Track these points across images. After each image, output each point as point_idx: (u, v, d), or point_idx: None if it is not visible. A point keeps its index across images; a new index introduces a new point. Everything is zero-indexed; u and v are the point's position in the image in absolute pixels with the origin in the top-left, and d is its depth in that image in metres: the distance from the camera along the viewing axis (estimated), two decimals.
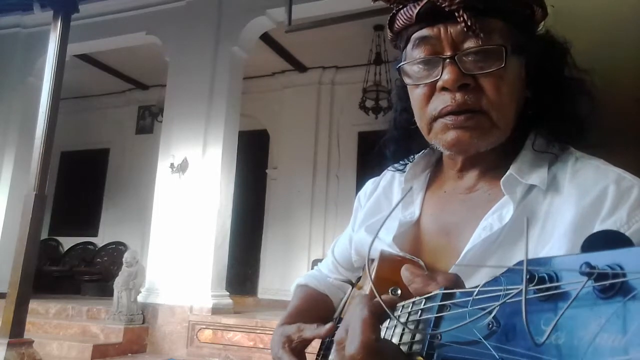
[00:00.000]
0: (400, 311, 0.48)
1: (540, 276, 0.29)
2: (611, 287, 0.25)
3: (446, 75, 0.67)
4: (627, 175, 0.64)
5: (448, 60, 0.67)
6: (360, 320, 0.43)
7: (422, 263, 0.71)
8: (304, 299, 1.00)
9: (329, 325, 0.80)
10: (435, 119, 0.70)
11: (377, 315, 0.44)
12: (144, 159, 8.34)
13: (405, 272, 0.48)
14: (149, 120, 9.10)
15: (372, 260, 0.75)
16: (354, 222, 0.96)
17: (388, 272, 0.65)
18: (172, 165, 5.91)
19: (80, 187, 9.30)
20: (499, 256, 0.67)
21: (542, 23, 0.75)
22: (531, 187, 0.69)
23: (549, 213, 0.66)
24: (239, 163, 6.24)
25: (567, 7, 1.21)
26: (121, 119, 9.33)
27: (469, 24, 0.65)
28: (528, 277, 0.29)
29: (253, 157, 7.94)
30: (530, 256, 0.61)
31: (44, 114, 4.18)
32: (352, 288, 1.00)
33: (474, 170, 0.77)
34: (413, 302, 0.47)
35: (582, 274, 0.26)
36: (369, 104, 6.69)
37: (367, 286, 0.77)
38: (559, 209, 0.65)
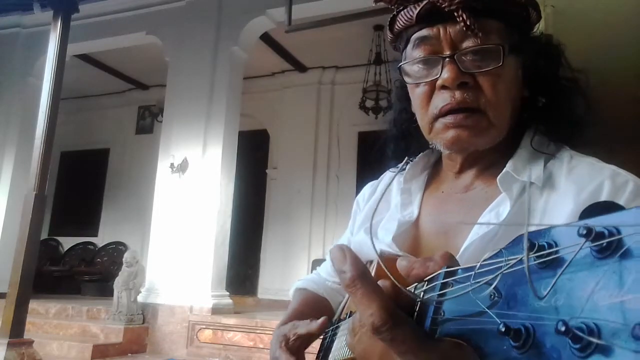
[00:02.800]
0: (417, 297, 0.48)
1: (540, 244, 0.30)
2: (608, 246, 0.26)
3: (446, 73, 0.69)
4: (621, 171, 0.66)
5: (447, 59, 0.69)
6: (372, 291, 0.41)
7: None
8: (302, 302, 1.00)
9: (321, 320, 0.80)
10: (436, 117, 0.72)
11: (387, 289, 0.42)
12: (144, 159, 8.34)
13: (402, 262, 0.47)
14: (149, 120, 9.10)
15: (370, 261, 0.76)
16: (353, 225, 0.97)
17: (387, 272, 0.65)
18: (172, 165, 5.91)
19: (80, 187, 9.30)
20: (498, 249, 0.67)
21: (537, 25, 0.76)
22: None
23: (545, 210, 0.67)
24: (239, 163, 6.24)
25: (566, 7, 1.21)
26: (121, 119, 9.34)
27: (468, 23, 0.67)
28: (529, 244, 0.30)
29: (253, 157, 7.94)
30: None
31: (44, 114, 4.18)
32: None
33: (472, 170, 0.78)
34: (415, 287, 0.47)
35: (580, 235, 0.27)
36: (369, 104, 6.70)
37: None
38: (556, 205, 0.66)
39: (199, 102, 6.01)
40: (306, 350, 0.89)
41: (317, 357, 0.94)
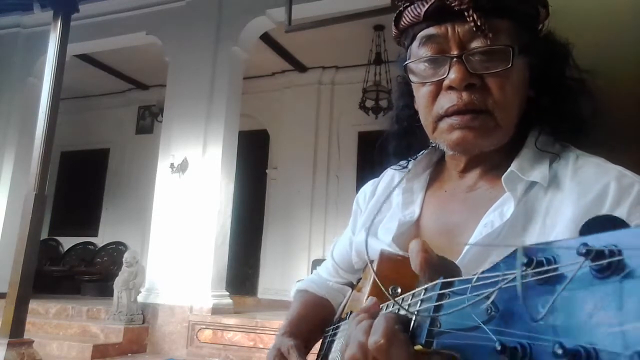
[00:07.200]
0: (401, 303, 0.50)
1: (538, 259, 0.29)
2: (608, 266, 0.25)
3: (453, 74, 0.67)
4: (628, 172, 0.65)
5: (455, 59, 0.68)
6: (384, 316, 0.45)
7: None
8: (304, 304, 1.00)
9: None
10: (441, 117, 0.70)
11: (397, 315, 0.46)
12: (144, 159, 8.34)
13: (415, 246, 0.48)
14: (149, 120, 9.10)
15: (372, 260, 0.76)
16: (354, 225, 0.96)
17: (387, 271, 0.66)
18: (172, 165, 5.91)
19: (80, 187, 9.30)
20: (500, 253, 0.67)
21: (545, 23, 0.76)
22: (532, 184, 0.69)
23: (549, 209, 0.67)
24: (239, 163, 6.23)
25: (567, 7, 1.21)
26: (121, 119, 9.33)
27: (478, 24, 0.65)
28: (526, 260, 0.30)
29: (253, 157, 7.94)
30: None
31: (44, 114, 4.17)
32: (352, 290, 1.00)
33: (476, 170, 0.77)
34: (412, 294, 0.47)
35: (580, 254, 0.26)
36: (369, 104, 6.69)
37: (367, 287, 0.77)
38: (560, 205, 0.66)
39: (199, 102, 6.01)
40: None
41: (317, 357, 0.94)
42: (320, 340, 0.99)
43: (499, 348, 0.30)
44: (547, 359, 0.27)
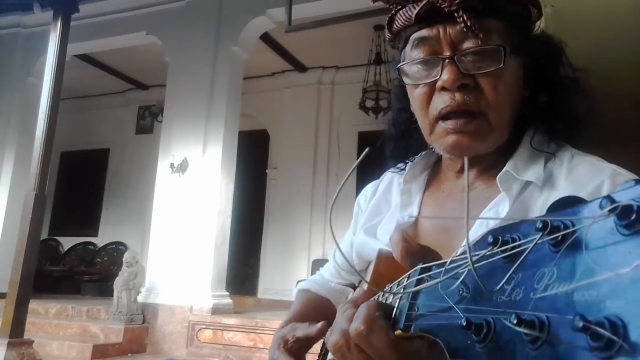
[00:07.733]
0: (388, 292, 0.52)
1: (504, 239, 0.31)
2: (563, 239, 0.27)
3: (445, 75, 0.68)
4: (622, 170, 0.65)
5: (447, 60, 0.68)
6: (366, 304, 0.47)
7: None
8: (305, 303, 1.00)
9: (320, 325, 0.80)
10: (436, 120, 0.71)
11: (380, 303, 0.47)
12: (144, 159, 8.34)
13: (396, 236, 0.50)
14: (149, 120, 9.10)
15: (370, 261, 0.76)
16: (355, 226, 0.97)
17: (385, 269, 0.66)
18: (172, 165, 5.91)
19: (80, 187, 9.30)
20: None
21: (538, 23, 0.76)
22: (527, 184, 0.70)
23: (544, 209, 0.66)
24: (239, 163, 6.24)
25: (566, 7, 1.21)
26: (121, 119, 9.34)
27: (468, 24, 0.66)
28: (492, 240, 0.31)
29: (253, 157, 7.94)
30: None
31: (44, 114, 4.18)
32: (354, 291, 1.01)
33: (473, 170, 0.78)
34: (398, 282, 0.49)
35: (537, 230, 0.28)
36: (369, 104, 6.70)
37: (365, 286, 0.77)
38: None
39: (199, 102, 6.01)
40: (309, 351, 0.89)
41: (318, 357, 0.94)
42: (322, 341, 0.99)
43: (464, 324, 0.31)
44: (508, 332, 0.28)
